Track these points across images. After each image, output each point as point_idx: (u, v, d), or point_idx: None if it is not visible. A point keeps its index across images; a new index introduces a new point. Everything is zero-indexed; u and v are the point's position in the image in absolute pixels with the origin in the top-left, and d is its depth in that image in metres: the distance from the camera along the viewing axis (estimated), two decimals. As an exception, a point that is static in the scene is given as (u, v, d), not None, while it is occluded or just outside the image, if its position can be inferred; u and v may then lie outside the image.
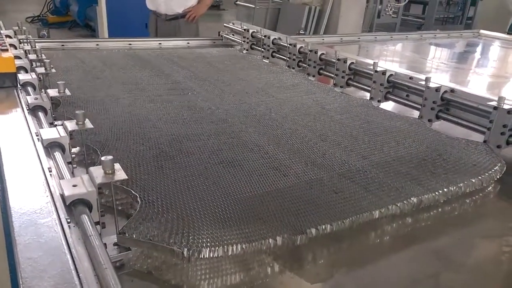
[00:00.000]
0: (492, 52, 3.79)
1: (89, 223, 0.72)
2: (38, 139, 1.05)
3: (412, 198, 1.04)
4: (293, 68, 2.41)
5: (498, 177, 1.21)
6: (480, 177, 1.17)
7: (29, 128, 1.09)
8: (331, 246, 0.93)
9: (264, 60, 2.62)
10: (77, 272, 0.62)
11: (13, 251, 0.68)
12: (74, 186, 0.78)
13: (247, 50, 2.83)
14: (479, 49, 3.86)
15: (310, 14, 6.64)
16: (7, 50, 1.50)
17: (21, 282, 0.60)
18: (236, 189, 1.05)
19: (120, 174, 0.79)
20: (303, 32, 5.27)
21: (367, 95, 1.96)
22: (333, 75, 2.17)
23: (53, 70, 1.57)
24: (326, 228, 0.90)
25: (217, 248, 0.79)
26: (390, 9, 8.25)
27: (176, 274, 0.80)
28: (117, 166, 0.81)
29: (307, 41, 2.42)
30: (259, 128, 1.48)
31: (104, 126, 1.38)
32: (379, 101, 1.91)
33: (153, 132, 1.38)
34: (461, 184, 1.12)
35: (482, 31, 4.13)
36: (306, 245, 0.88)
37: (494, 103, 1.40)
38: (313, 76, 2.29)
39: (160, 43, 2.78)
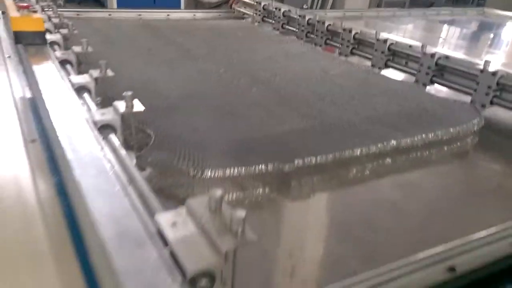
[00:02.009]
0: (498, 30, 3.74)
1: (115, 140, 0.89)
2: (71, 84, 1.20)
3: (392, 141, 1.17)
4: (302, 39, 2.53)
5: (475, 129, 1.33)
6: (457, 127, 1.29)
7: (61, 75, 1.25)
8: (314, 176, 1.08)
9: (274, 31, 2.73)
10: (113, 169, 0.78)
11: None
12: (103, 114, 0.95)
13: (258, 22, 2.94)
14: (483, 27, 3.81)
15: (317, -12, 6.54)
16: (36, 11, 1.65)
17: (73, 173, 0.75)
18: (236, 131, 1.19)
19: (138, 106, 0.95)
20: (306, 7, 5.21)
21: (369, 64, 2.07)
22: (338, 45, 2.29)
23: (75, 31, 1.71)
24: (312, 160, 1.04)
25: (217, 169, 0.95)
26: (401, -14, 8.07)
27: (183, 191, 0.96)
28: (136, 101, 0.97)
29: (315, 13, 2.53)
30: (262, 90, 1.59)
31: (120, 83, 1.51)
32: (379, 68, 2.03)
33: (163, 90, 1.50)
34: (439, 132, 1.25)
35: (486, 9, 4.08)
36: (293, 172, 1.03)
37: (480, 67, 1.51)
38: (320, 45, 2.41)
39: (168, 15, 2.93)
